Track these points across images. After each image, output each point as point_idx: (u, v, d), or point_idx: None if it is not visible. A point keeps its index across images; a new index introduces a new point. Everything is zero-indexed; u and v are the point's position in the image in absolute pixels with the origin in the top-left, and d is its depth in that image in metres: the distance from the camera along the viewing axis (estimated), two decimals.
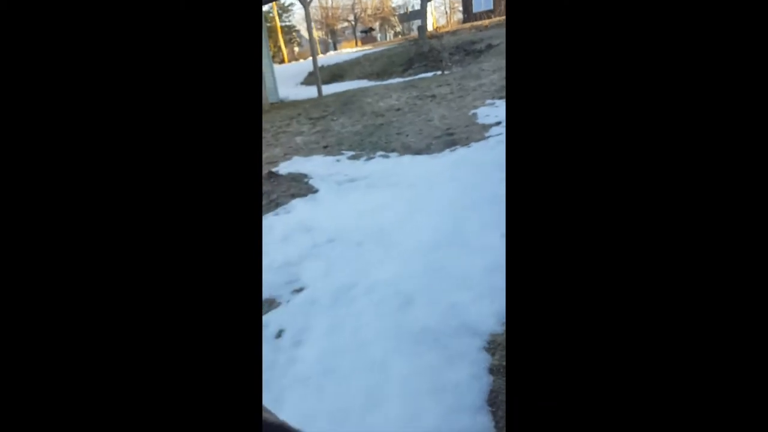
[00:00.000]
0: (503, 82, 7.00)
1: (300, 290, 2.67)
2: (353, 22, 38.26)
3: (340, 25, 40.27)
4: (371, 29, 37.07)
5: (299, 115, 8.96)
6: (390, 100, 8.40)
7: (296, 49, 40.75)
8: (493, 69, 9.64)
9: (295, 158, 5.77)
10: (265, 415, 0.61)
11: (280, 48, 30.49)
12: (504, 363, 1.85)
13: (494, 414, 1.64)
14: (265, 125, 7.78)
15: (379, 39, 35.75)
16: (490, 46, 13.76)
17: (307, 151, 6.08)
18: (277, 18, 30.96)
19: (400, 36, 33.48)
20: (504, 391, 1.72)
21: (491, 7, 26.67)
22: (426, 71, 13.42)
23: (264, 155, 5.91)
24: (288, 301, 2.58)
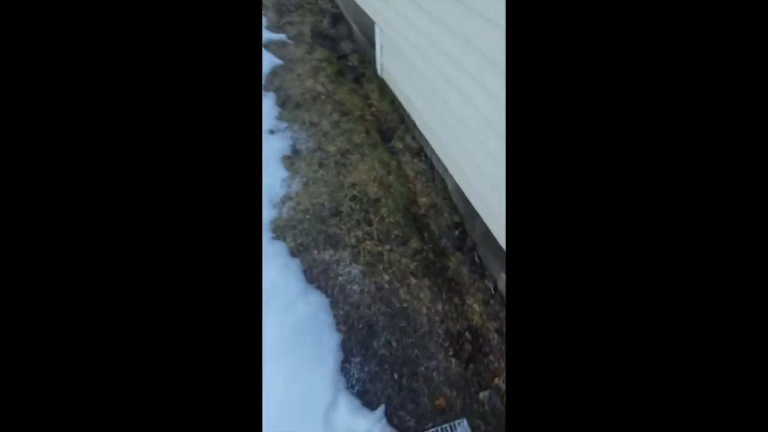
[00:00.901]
0: None
1: None
2: None
3: None
4: None
5: None
6: None
7: None
8: None
9: None
10: None
11: None
12: (296, 243, 1.88)
13: (322, 287, 1.73)
14: None
15: None
16: None
17: None
18: None
19: None
20: (322, 266, 1.80)
21: None
22: None
23: None
24: None
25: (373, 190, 2.09)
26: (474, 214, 1.79)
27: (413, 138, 2.45)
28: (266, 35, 3.35)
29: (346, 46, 3.41)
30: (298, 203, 2.03)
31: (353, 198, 2.05)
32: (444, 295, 1.69)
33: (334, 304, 1.66)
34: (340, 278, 1.74)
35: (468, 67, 1.56)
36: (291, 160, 2.25)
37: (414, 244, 1.86)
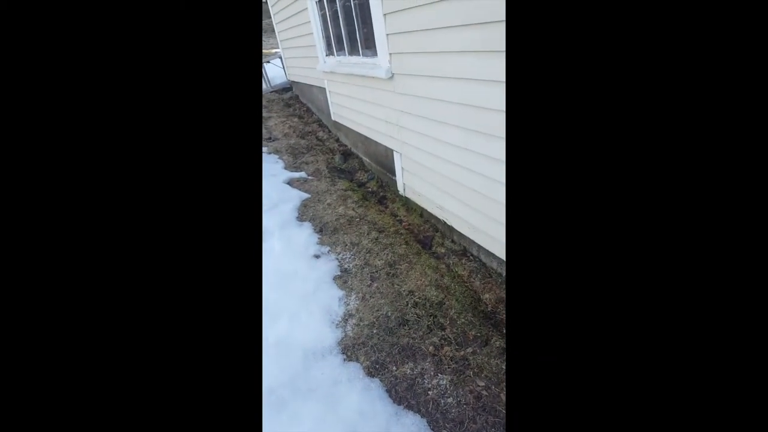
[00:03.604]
0: None
1: None
2: None
3: None
4: None
5: None
6: None
7: None
8: None
9: None
10: None
11: None
12: (370, 361, 1.74)
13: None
14: None
15: None
16: None
17: None
18: None
19: None
20: (406, 382, 1.64)
21: None
22: None
23: None
24: None
25: (432, 293, 2.04)
26: None
27: (453, 241, 2.51)
28: (288, 174, 3.65)
29: (361, 176, 3.72)
30: (361, 319, 1.94)
31: (416, 304, 1.98)
32: None
33: (433, 424, 1.46)
34: (430, 393, 1.57)
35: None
36: (343, 278, 2.23)
37: (497, 342, 1.74)
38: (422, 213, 2.85)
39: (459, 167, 2.14)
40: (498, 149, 1.76)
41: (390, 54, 2.44)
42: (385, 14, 2.32)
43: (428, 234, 2.66)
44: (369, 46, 2.85)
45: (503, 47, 1.51)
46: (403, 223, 2.83)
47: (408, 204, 3.01)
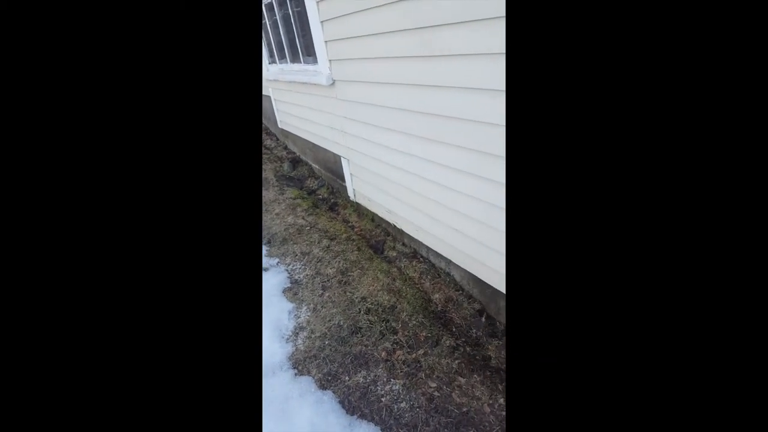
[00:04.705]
0: None
1: None
2: None
3: None
4: None
5: None
6: None
7: None
8: None
9: None
10: None
11: None
12: (322, 373, 1.70)
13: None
14: None
15: None
16: None
17: None
18: None
19: None
20: (359, 391, 1.61)
21: None
22: None
23: None
24: None
25: (384, 298, 2.04)
26: (496, 296, 1.79)
27: (403, 244, 2.53)
28: None
29: (311, 183, 3.67)
30: (312, 331, 1.90)
31: (368, 311, 1.97)
32: (500, 386, 1.56)
33: (387, 431, 1.45)
34: (383, 399, 1.56)
35: (449, 163, 1.75)
36: (293, 290, 2.18)
37: (447, 341, 1.76)
38: (373, 218, 2.85)
39: (403, 171, 2.16)
40: (439, 153, 1.79)
41: (330, 61, 2.43)
42: (322, 21, 2.31)
43: (380, 238, 2.66)
44: (310, 53, 2.82)
45: (438, 51, 1.55)
46: (355, 229, 2.81)
47: (359, 209, 3.00)
